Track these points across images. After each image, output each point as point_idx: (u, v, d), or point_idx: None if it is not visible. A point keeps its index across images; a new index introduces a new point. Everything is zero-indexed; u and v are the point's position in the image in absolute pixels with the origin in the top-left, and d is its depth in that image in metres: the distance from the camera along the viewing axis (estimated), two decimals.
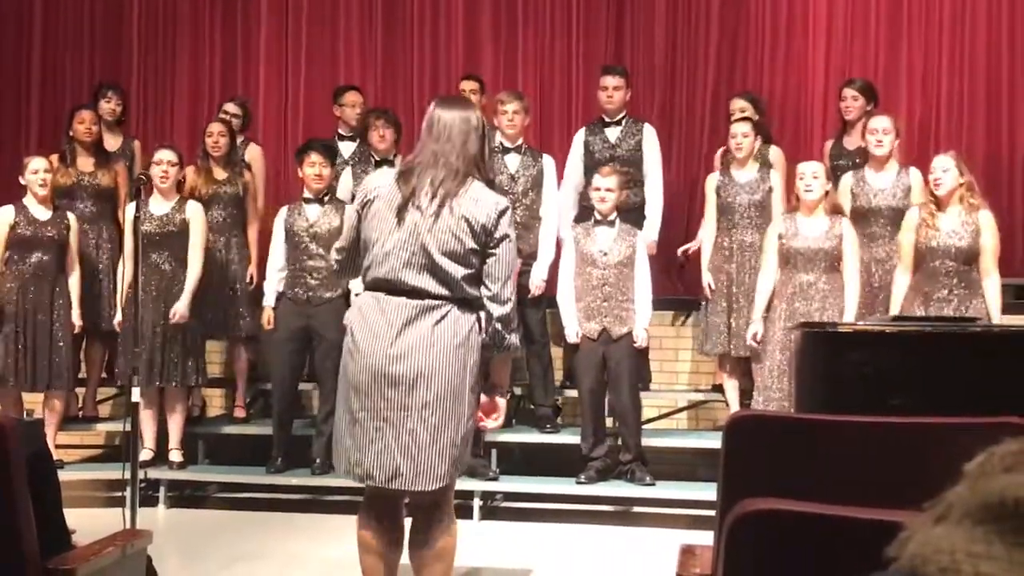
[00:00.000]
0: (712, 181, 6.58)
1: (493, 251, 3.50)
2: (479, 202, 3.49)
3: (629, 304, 6.12)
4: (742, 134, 6.46)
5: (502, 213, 3.51)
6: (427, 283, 3.46)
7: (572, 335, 6.18)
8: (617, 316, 6.10)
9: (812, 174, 5.91)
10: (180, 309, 6.41)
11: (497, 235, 3.49)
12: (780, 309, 5.91)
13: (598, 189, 6.15)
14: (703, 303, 6.63)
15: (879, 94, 6.97)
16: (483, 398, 3.66)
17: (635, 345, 6.14)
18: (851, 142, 6.77)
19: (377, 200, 3.52)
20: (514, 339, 3.60)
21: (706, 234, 6.58)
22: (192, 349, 6.50)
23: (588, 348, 6.14)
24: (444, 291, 3.46)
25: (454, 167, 3.49)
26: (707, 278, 6.49)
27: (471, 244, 3.46)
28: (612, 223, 6.17)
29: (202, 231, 6.55)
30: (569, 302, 6.19)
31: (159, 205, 6.52)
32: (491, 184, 3.65)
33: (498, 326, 3.54)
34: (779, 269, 5.98)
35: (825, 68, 7.97)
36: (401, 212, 3.47)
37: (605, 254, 6.13)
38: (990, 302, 5.69)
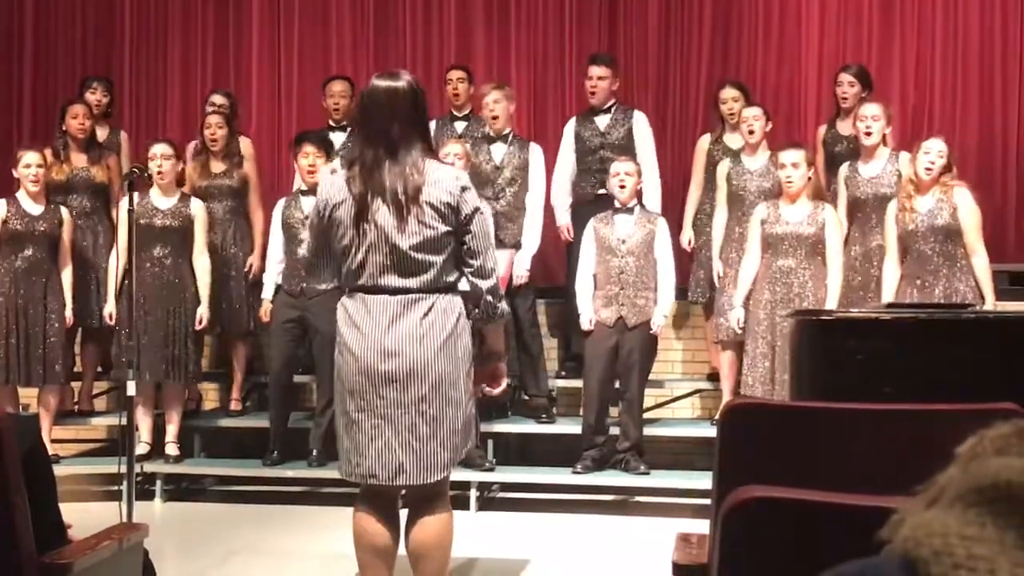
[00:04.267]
0: (723, 168, 6.55)
1: (467, 228, 3.47)
2: (439, 183, 3.44)
3: (648, 293, 6.10)
4: (753, 117, 6.44)
5: (464, 188, 3.48)
6: (408, 281, 3.45)
7: (585, 322, 6.16)
8: (634, 304, 6.08)
9: (791, 164, 5.88)
10: (204, 314, 6.47)
11: (467, 210, 3.46)
12: (763, 294, 5.91)
13: (617, 174, 6.13)
14: (715, 291, 6.59)
15: (873, 80, 6.96)
16: (483, 367, 3.69)
17: (650, 332, 6.10)
18: (846, 127, 6.75)
19: (335, 210, 3.47)
20: (503, 306, 3.64)
21: (716, 222, 6.56)
22: (189, 344, 6.50)
23: (601, 336, 6.11)
24: (426, 284, 3.46)
25: (398, 152, 3.41)
26: (718, 266, 6.48)
27: (443, 228, 3.44)
28: (631, 210, 6.16)
29: (206, 228, 6.56)
30: (586, 290, 6.18)
31: (161, 199, 6.51)
32: (429, 147, 3.56)
33: (489, 298, 3.56)
34: (762, 255, 5.97)
35: (818, 55, 7.97)
36: (362, 218, 3.42)
37: (624, 241, 6.11)
38: (981, 280, 5.65)
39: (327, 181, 3.67)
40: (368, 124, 3.51)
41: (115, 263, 6.33)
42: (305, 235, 6.32)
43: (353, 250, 3.46)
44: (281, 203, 6.61)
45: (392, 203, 3.40)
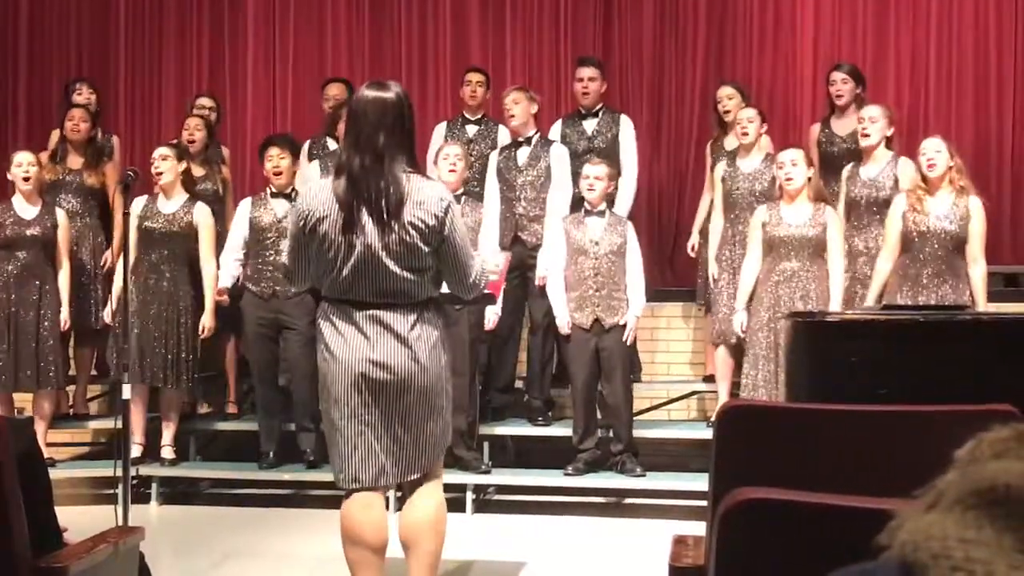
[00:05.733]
0: (718, 171, 6.55)
1: (448, 248, 3.55)
2: (423, 204, 3.47)
3: (621, 294, 6.10)
4: (747, 119, 6.44)
5: (446, 210, 3.51)
6: (394, 297, 3.52)
7: (564, 326, 6.16)
8: (609, 306, 6.08)
9: (791, 162, 5.86)
10: (207, 323, 6.41)
11: (445, 233, 3.52)
12: (764, 297, 5.90)
13: (587, 177, 6.12)
14: (709, 292, 6.59)
15: (866, 77, 6.96)
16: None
17: (623, 337, 6.10)
18: (840, 127, 6.73)
19: (320, 224, 3.49)
20: (483, 279, 3.73)
21: (713, 223, 6.56)
22: (184, 349, 6.48)
23: (580, 339, 6.12)
24: (411, 299, 3.53)
25: (383, 163, 3.44)
26: (712, 268, 6.47)
27: (424, 248, 3.49)
28: (602, 213, 6.15)
29: (211, 235, 6.49)
30: (560, 293, 6.17)
31: (166, 204, 6.48)
32: (414, 162, 3.60)
33: (469, 300, 3.82)
34: (763, 257, 5.96)
35: (813, 56, 7.98)
36: (348, 233, 3.46)
37: (596, 244, 6.11)
38: (976, 290, 5.65)
39: (310, 191, 3.70)
40: (355, 133, 3.54)
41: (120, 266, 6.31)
42: (280, 241, 6.30)
43: (339, 264, 3.50)
44: (247, 202, 6.52)
45: (377, 219, 3.44)
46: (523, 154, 6.58)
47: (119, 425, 4.75)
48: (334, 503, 5.91)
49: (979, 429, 0.98)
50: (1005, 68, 7.77)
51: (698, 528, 2.91)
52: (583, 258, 6.11)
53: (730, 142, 6.80)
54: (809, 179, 5.89)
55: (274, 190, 6.44)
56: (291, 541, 5.68)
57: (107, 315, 6.50)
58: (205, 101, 7.48)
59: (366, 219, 3.45)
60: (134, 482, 5.70)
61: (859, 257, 6.08)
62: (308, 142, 7.16)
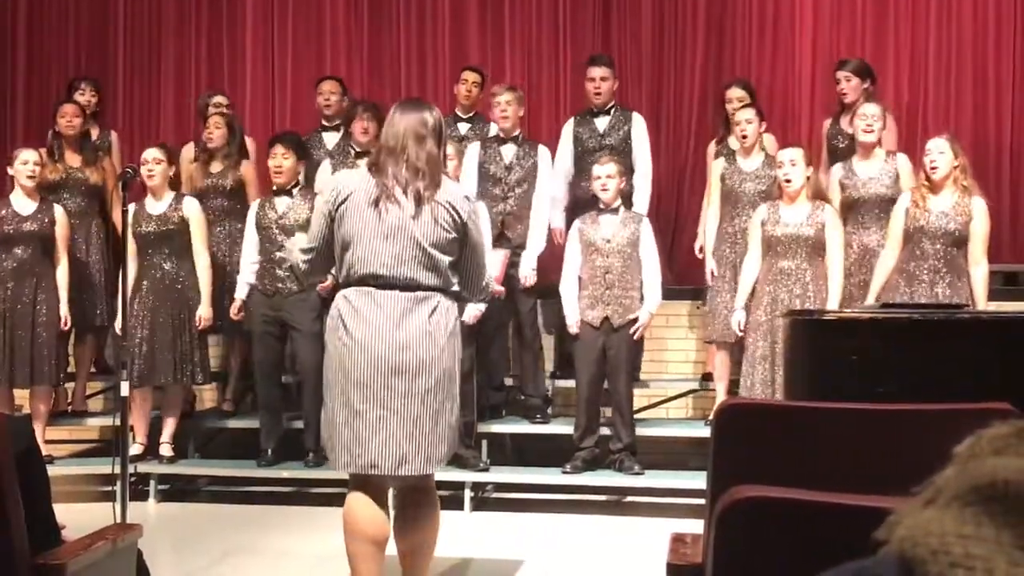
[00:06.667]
0: (717, 168, 6.55)
1: (465, 248, 3.70)
2: (453, 194, 3.68)
3: (634, 292, 6.09)
4: (746, 120, 6.43)
5: (472, 210, 3.72)
6: (420, 275, 3.61)
7: (573, 325, 6.15)
8: (620, 304, 6.06)
9: (790, 161, 5.85)
10: (204, 314, 6.43)
11: (469, 230, 3.69)
12: (763, 296, 5.89)
13: (599, 178, 6.12)
14: (707, 291, 6.59)
15: (874, 71, 6.94)
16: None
17: (631, 331, 6.05)
18: (848, 123, 6.71)
19: (353, 196, 3.62)
20: (491, 287, 3.99)
21: (710, 221, 6.56)
22: (196, 346, 6.49)
23: (589, 337, 6.10)
24: (434, 282, 3.63)
25: (418, 168, 3.61)
26: (711, 264, 6.47)
27: (453, 235, 3.64)
28: (615, 211, 6.15)
29: (202, 227, 6.51)
30: (571, 292, 6.17)
31: (155, 204, 6.49)
32: (442, 170, 3.81)
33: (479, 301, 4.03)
34: (762, 256, 5.96)
35: (812, 54, 7.98)
36: (381, 206, 3.59)
37: (609, 241, 6.10)
38: (976, 290, 5.64)
39: (343, 174, 3.97)
40: (390, 133, 3.69)
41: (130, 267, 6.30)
42: (280, 237, 6.30)
43: (367, 237, 3.58)
44: (255, 205, 6.56)
45: (412, 195, 3.59)
46: (509, 153, 6.58)
47: (117, 422, 4.75)
48: (333, 501, 5.93)
49: (978, 427, 0.98)
50: (1003, 67, 7.77)
51: (696, 526, 2.91)
52: (596, 255, 6.11)
53: (735, 142, 6.79)
54: (808, 178, 5.89)
55: (275, 188, 6.46)
56: (290, 539, 5.68)
57: (118, 325, 6.47)
58: (221, 99, 7.46)
59: (399, 194, 3.59)
60: (133, 479, 5.70)
61: (875, 254, 6.03)
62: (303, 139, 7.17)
